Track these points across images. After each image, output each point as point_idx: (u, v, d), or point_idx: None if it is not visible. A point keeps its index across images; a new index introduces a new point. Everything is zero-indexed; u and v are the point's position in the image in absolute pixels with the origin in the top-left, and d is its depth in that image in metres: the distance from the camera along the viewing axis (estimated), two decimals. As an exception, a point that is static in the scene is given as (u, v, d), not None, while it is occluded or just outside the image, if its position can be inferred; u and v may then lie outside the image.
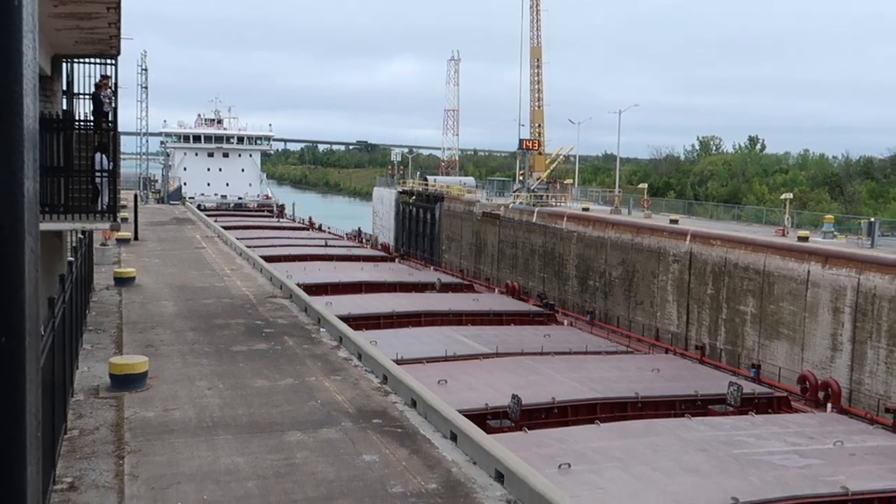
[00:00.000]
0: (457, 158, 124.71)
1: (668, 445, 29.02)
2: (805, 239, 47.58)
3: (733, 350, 48.71)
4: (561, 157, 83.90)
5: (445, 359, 40.37)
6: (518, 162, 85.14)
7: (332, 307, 33.56)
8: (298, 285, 31.17)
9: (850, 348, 41.48)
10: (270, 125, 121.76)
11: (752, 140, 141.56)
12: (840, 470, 27.21)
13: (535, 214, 70.57)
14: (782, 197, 58.82)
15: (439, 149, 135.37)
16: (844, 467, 27.58)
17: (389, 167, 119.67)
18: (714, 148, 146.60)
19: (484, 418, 30.61)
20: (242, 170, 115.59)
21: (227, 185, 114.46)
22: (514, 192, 79.29)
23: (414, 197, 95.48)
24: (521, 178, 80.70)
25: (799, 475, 26.63)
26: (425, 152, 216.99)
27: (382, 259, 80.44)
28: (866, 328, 40.78)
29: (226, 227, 60.72)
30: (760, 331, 47.02)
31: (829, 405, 38.22)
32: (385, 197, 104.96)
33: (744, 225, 61.58)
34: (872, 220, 50.37)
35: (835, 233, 50.35)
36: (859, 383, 40.57)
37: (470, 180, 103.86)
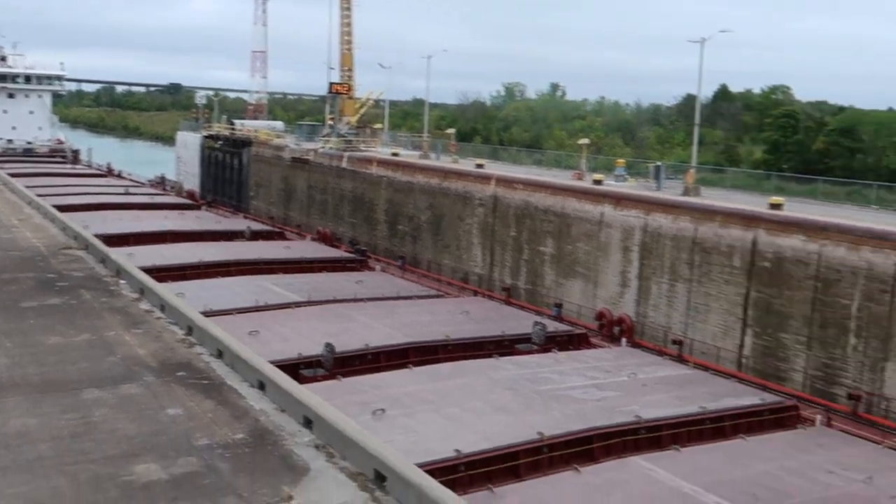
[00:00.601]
0: (265, 102, 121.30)
1: (477, 386, 30.03)
2: (599, 182, 50.05)
3: (534, 289, 50.87)
4: (371, 101, 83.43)
5: (256, 309, 39.69)
6: (328, 106, 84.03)
7: (134, 258, 31.97)
8: (96, 236, 29.35)
9: (638, 284, 44.37)
10: (62, 64, 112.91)
11: (554, 87, 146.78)
12: (634, 400, 29.23)
13: (344, 159, 70.08)
14: (579, 142, 61.47)
15: (247, 92, 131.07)
16: (637, 397, 29.66)
17: (194, 110, 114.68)
18: (518, 94, 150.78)
19: (297, 368, 30.43)
20: (31, 112, 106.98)
21: (14, 128, 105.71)
22: (324, 136, 78.34)
23: (220, 142, 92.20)
24: (330, 122, 79.74)
25: (597, 407, 28.38)
26: (232, 95, 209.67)
27: (188, 207, 77.56)
28: (652, 265, 43.71)
29: (13, 175, 56.23)
30: (559, 270, 49.33)
31: (623, 339, 40.80)
32: (189, 142, 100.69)
33: (545, 169, 63.94)
34: (659, 164, 53.65)
35: (626, 176, 53.21)
36: (645, 317, 43.55)
37: (279, 125, 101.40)
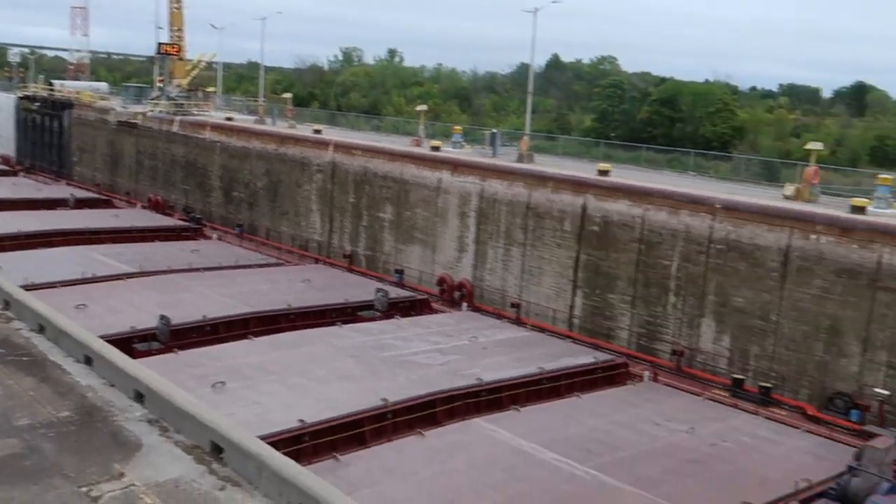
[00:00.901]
0: (87, 62, 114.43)
1: (321, 354, 29.82)
2: (437, 149, 50.38)
3: (374, 256, 50.86)
4: (202, 63, 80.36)
5: (84, 281, 37.78)
6: (156, 68, 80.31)
7: (-59, 229, 29.59)
8: None
9: (475, 249, 45.20)
10: None
11: (392, 53, 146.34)
12: (475, 363, 29.87)
13: (175, 124, 67.29)
14: (417, 109, 61.57)
15: (66, 50, 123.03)
16: (478, 360, 30.33)
17: (7, 69, 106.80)
18: (356, 59, 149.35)
19: (129, 342, 29.23)
20: None
21: None
22: (153, 99, 74.94)
23: (38, 103, 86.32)
24: (160, 84, 76.28)
25: (440, 371, 28.81)
26: (50, 54, 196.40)
27: (2, 173, 72.82)
28: (488, 230, 44.60)
29: None
30: (398, 236, 49.51)
31: (464, 304, 41.49)
32: (2, 103, 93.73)
33: (383, 135, 63.73)
34: (494, 131, 54.50)
35: (463, 143, 53.73)
36: (482, 281, 44.47)
37: (103, 86, 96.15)
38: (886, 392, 29.60)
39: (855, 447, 23.55)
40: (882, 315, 30.59)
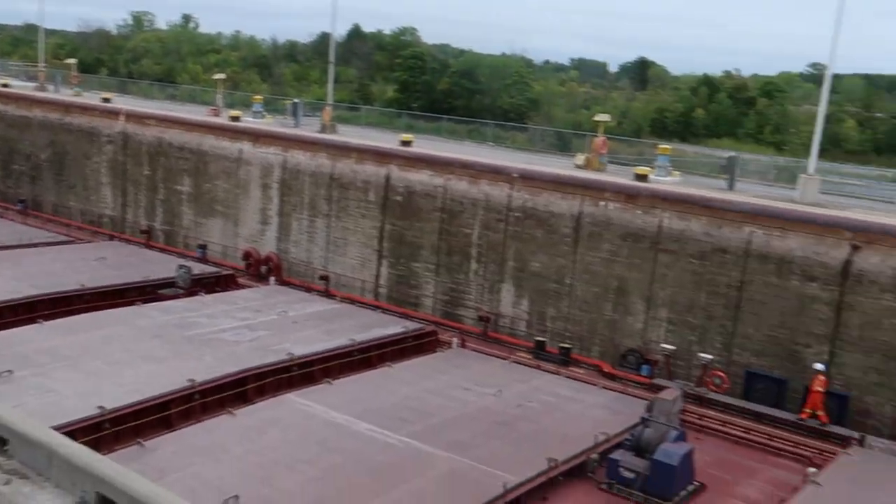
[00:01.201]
0: None
1: (121, 336, 28.45)
2: (237, 119, 48.89)
3: (172, 231, 48.93)
4: (-29, 25, 73.56)
5: None
6: (-85, 28, 72.69)
7: None
8: None
9: (279, 222, 44.55)
10: None
11: (186, 18, 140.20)
12: (285, 338, 29.54)
13: (-58, 91, 61.30)
14: (215, 77, 59.50)
15: None
16: (289, 334, 30.02)
17: None
18: (147, 24, 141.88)
19: None
20: None
21: None
22: (-87, 64, 67.90)
23: None
24: (-80, 47, 69.20)
25: (250, 348, 28.26)
26: None
27: None
28: (292, 202, 44.04)
29: None
30: (198, 210, 47.85)
31: (272, 278, 40.81)
32: None
33: (179, 104, 61.12)
34: (296, 101, 53.63)
35: (264, 113, 52.46)
36: (287, 253, 43.95)
37: None
38: (672, 347, 32.07)
39: (646, 400, 25.34)
40: (662, 275, 33.03)
